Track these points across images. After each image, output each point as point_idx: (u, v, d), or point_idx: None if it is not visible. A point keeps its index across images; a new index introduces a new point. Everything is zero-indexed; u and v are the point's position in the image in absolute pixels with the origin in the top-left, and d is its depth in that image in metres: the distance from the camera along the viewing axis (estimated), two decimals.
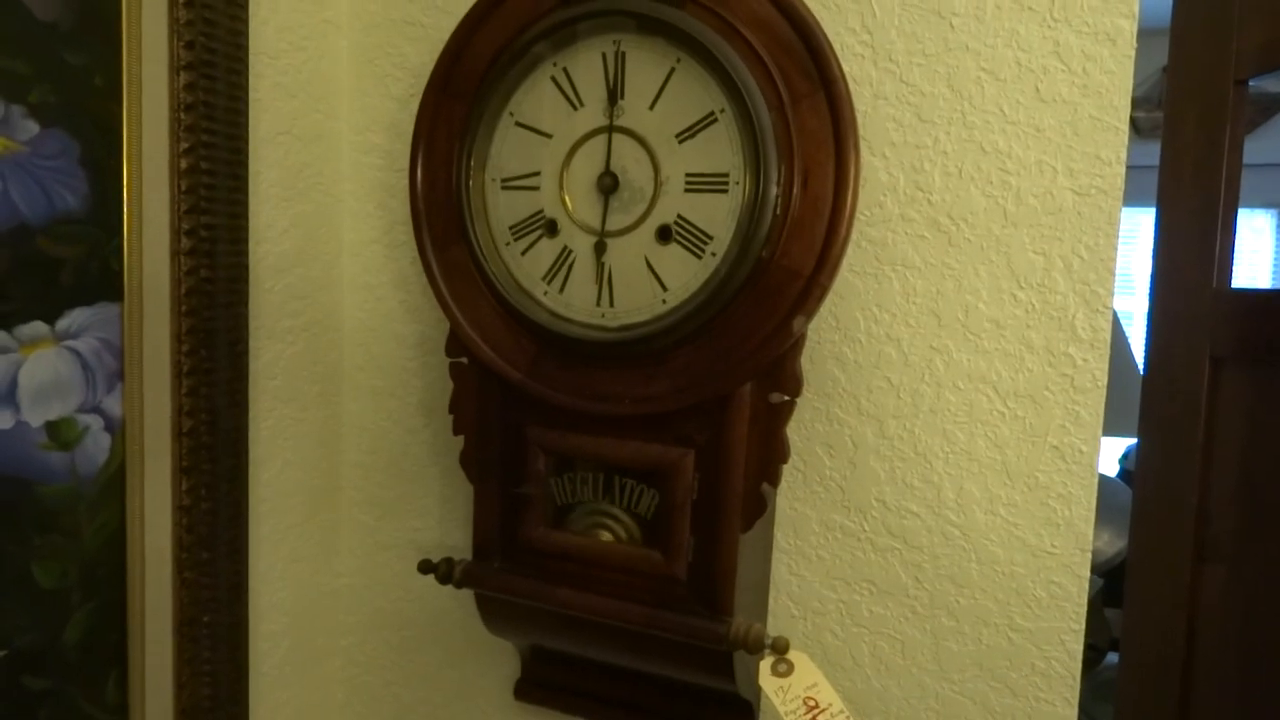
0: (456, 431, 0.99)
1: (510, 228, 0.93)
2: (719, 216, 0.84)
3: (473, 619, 1.15)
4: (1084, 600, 0.88)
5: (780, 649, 0.86)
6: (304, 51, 1.10)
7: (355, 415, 1.20)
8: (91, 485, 0.87)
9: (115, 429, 0.88)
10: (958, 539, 0.92)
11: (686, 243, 0.85)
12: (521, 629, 1.01)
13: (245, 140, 0.99)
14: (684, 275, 0.86)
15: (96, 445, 0.87)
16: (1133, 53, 0.84)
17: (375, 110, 1.15)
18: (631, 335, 0.87)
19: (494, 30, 0.92)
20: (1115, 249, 0.85)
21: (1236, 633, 1.02)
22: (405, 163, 1.13)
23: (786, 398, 0.86)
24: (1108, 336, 0.86)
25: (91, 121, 0.84)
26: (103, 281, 0.86)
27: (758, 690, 0.98)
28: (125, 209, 0.87)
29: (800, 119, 0.81)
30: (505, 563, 0.97)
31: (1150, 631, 1.12)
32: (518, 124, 0.92)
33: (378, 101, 1.15)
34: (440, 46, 1.09)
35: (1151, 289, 1.12)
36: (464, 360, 0.98)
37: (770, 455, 0.87)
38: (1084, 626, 0.89)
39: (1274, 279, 4.12)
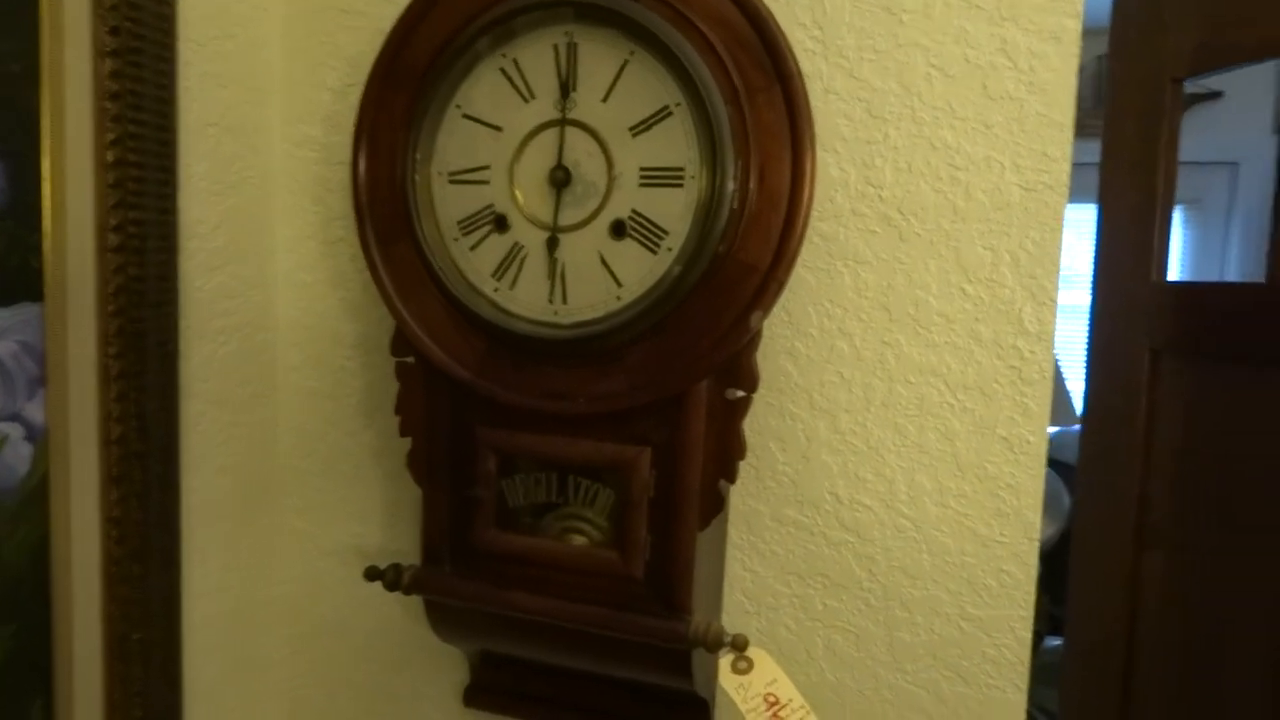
0: (404, 433, 0.96)
1: (458, 223, 0.90)
2: (675, 211, 0.83)
3: (419, 625, 1.12)
4: (1033, 588, 0.90)
5: (739, 646, 0.85)
6: (234, 39, 1.05)
7: (291, 418, 1.15)
8: (11, 498, 0.81)
9: (37, 438, 0.83)
10: (910, 531, 0.93)
11: (641, 238, 0.84)
12: (473, 634, 0.99)
13: (174, 132, 0.95)
14: (639, 271, 0.85)
15: (16, 455, 0.82)
16: (1078, 51, 0.85)
17: (309, 101, 1.11)
18: (586, 333, 0.86)
19: (439, 20, 0.89)
20: (1061, 244, 0.87)
21: (1176, 614, 1.06)
22: (342, 156, 1.09)
23: (743, 393, 0.86)
24: (1053, 329, 0.88)
25: (8, 110, 0.79)
26: (22, 280, 0.81)
27: (714, 688, 0.97)
28: (47, 203, 0.82)
29: (756, 113, 0.80)
30: (456, 567, 0.95)
31: (1094, 615, 1.15)
32: (465, 116, 0.89)
33: (312, 92, 1.10)
34: (380, 36, 1.06)
35: (1093, 283, 1.16)
36: (410, 360, 0.95)
37: (727, 452, 0.87)
38: (1033, 613, 0.91)
39: (1182, 273, 4.31)
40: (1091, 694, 1.15)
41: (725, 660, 0.86)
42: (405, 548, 1.12)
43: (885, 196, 0.91)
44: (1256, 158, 4.04)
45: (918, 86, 0.90)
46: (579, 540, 0.91)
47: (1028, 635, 0.91)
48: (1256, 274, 3.57)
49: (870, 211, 0.92)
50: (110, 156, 0.86)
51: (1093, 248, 1.15)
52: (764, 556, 0.98)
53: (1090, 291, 1.17)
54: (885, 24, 0.90)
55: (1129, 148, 1.07)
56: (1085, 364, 1.17)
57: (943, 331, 0.91)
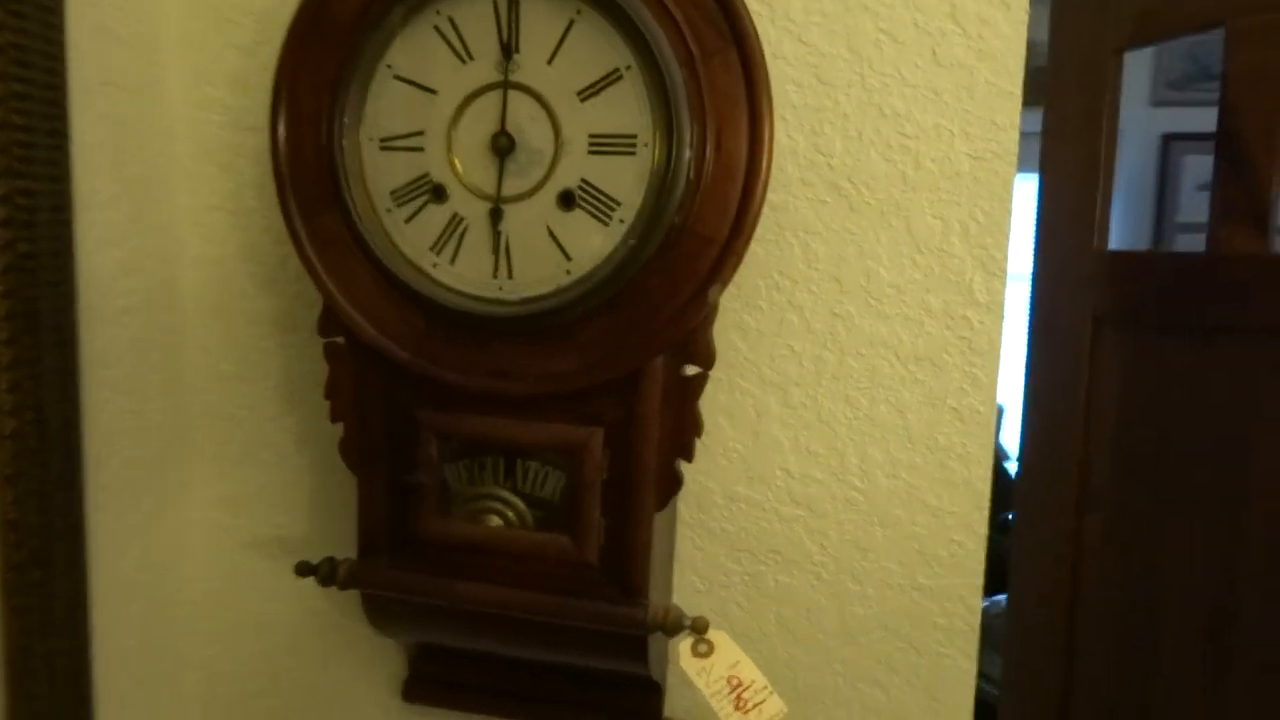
0: (335, 418, 0.90)
1: (391, 193, 0.84)
2: (627, 181, 0.79)
3: (350, 619, 1.07)
4: (982, 556, 0.91)
5: (700, 629, 0.83)
6: None
7: (204, 404, 1.07)
8: None
9: None
10: (861, 504, 0.93)
11: (592, 209, 0.80)
12: (414, 627, 0.94)
13: (64, 91, 0.85)
14: (590, 244, 0.81)
15: None
16: (1026, 18, 0.85)
17: (213, 60, 1.02)
18: (535, 309, 0.81)
19: None
20: (1010, 213, 0.87)
21: (1117, 576, 1.10)
22: (252, 120, 1.02)
23: (699, 370, 0.83)
24: (1004, 299, 0.88)
25: None
26: None
27: (664, 669, 0.95)
28: None
29: (711, 76, 0.77)
30: (395, 558, 0.90)
31: (1037, 578, 1.18)
32: (397, 78, 0.83)
33: (217, 50, 1.02)
34: None
35: (1035, 251, 1.17)
36: (340, 340, 0.89)
37: (683, 430, 0.84)
38: (982, 581, 0.92)
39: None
40: (1035, 655, 1.19)
41: (685, 644, 0.84)
42: (333, 538, 1.06)
43: (835, 165, 0.89)
44: (1134, 130, 4.22)
45: (867, 52, 0.88)
46: (494, 521, 0.87)
47: (978, 603, 0.92)
48: (1138, 243, 3.75)
49: (820, 180, 0.90)
50: None
51: (1034, 217, 1.17)
52: (714, 534, 0.96)
53: (1032, 260, 1.19)
54: None
55: (1071, 118, 1.08)
56: (1028, 332, 1.20)
57: (894, 303, 0.90)
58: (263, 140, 1.01)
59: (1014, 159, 0.86)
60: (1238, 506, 0.98)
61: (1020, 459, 1.23)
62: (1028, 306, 1.19)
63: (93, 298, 0.92)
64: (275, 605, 1.09)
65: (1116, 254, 1.10)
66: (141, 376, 1.00)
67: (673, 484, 0.84)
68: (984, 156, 0.87)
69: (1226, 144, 0.95)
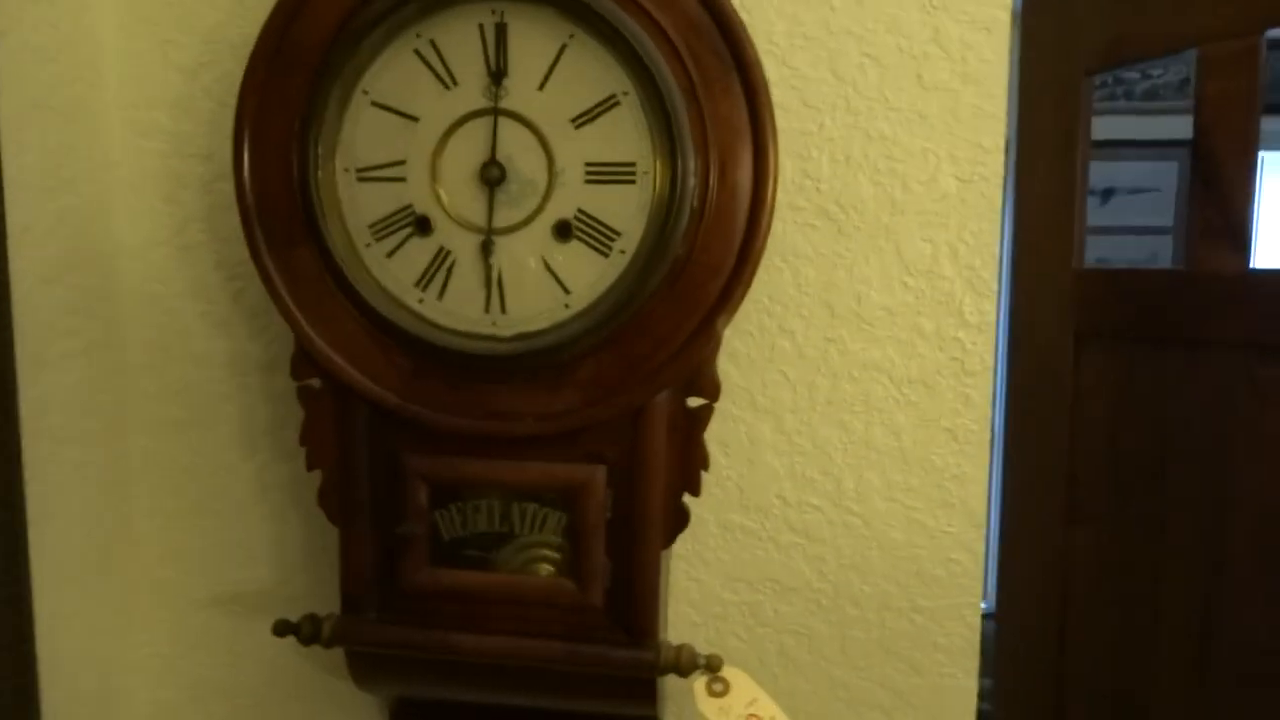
0: (311, 466, 0.85)
1: (370, 226, 0.79)
2: (627, 210, 0.76)
3: (324, 675, 1.01)
4: (980, 574, 0.92)
5: (714, 667, 0.81)
6: (56, 5, 0.88)
7: (150, 453, 0.99)
8: None
9: None
10: (859, 528, 0.92)
11: (590, 240, 0.77)
12: (403, 683, 0.89)
13: None
14: (589, 276, 0.77)
15: None
16: (1008, 42, 0.86)
17: (154, 82, 0.95)
18: (531, 345, 0.78)
19: None
20: (999, 234, 0.88)
21: (1108, 589, 1.13)
22: (196, 147, 0.95)
23: (705, 402, 0.81)
24: (994, 319, 0.89)
25: None
26: None
27: (664, 709, 0.93)
28: None
29: (713, 103, 0.75)
30: (383, 612, 0.85)
31: (1026, 592, 1.20)
32: (374, 104, 0.78)
33: (158, 72, 0.94)
34: (240, 6, 0.93)
35: (1012, 270, 1.20)
36: (315, 383, 0.83)
37: (689, 464, 0.82)
38: (980, 600, 0.92)
39: None
40: (1026, 668, 1.21)
41: (699, 683, 0.81)
42: (299, 591, 1.00)
43: (823, 189, 0.89)
44: None
45: (851, 75, 0.87)
46: (546, 570, 0.83)
47: (977, 621, 0.92)
48: None
49: (808, 205, 0.89)
50: None
51: (1008, 235, 1.19)
52: (710, 565, 0.94)
53: (1008, 278, 1.22)
54: (815, 9, 0.87)
55: (1045, 138, 1.11)
56: (1005, 347, 1.22)
57: (885, 326, 0.89)
58: (209, 169, 0.95)
59: (1000, 181, 0.87)
60: (1223, 513, 1.02)
61: (1005, 475, 1.26)
62: (1005, 323, 1.22)
63: (29, 342, 0.84)
64: (238, 667, 1.01)
65: (1095, 271, 1.13)
66: (82, 425, 0.92)
67: (680, 520, 0.82)
68: (970, 179, 0.87)
69: (1201, 164, 0.99)
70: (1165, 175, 3.85)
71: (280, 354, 0.96)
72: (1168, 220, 3.82)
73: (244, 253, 0.94)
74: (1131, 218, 3.78)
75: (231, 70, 0.93)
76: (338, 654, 0.97)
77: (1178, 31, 1.01)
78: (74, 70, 0.90)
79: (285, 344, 0.95)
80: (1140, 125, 3.82)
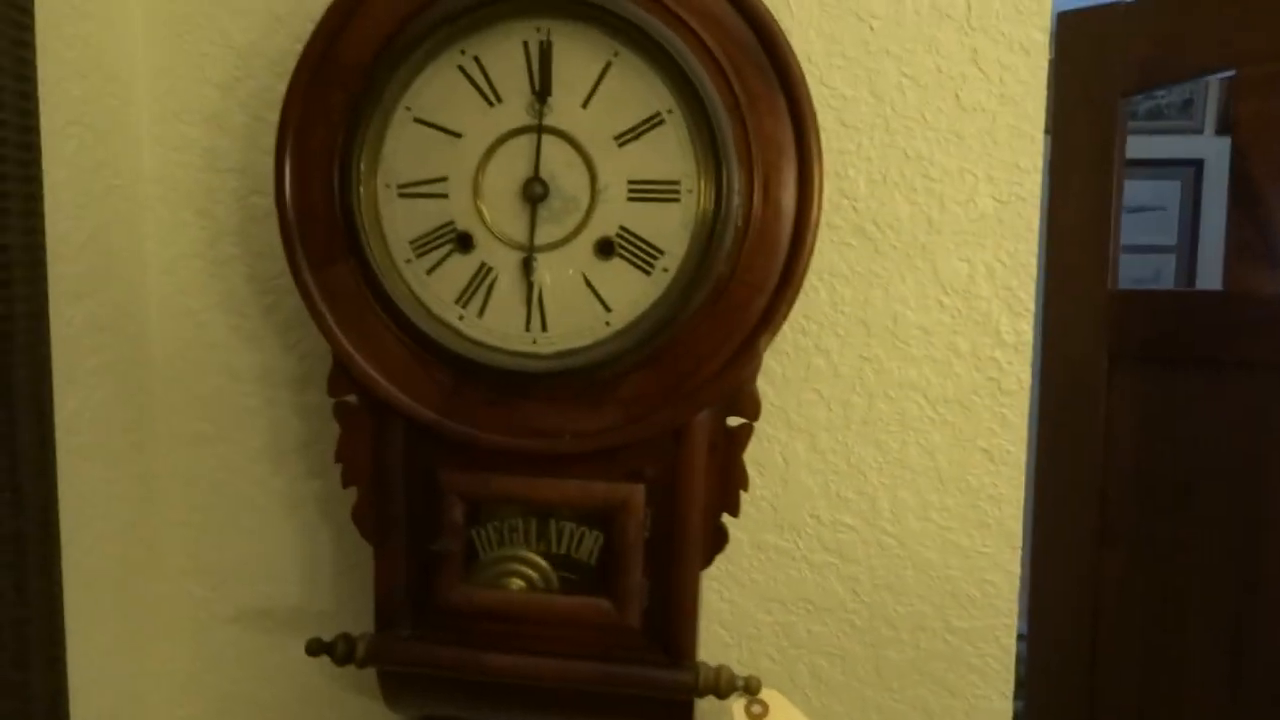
0: (347, 483, 0.84)
1: (411, 242, 0.79)
2: (670, 228, 0.76)
3: (348, 692, 1.00)
4: (1014, 596, 0.91)
5: (753, 689, 0.80)
6: (92, 19, 0.88)
7: (176, 468, 0.99)
8: None
9: None
10: (894, 548, 0.92)
11: (633, 257, 0.77)
12: (435, 703, 0.88)
13: (37, 133, 0.77)
14: (631, 293, 0.77)
15: None
16: (1046, 64, 0.86)
17: (187, 97, 0.94)
18: (571, 363, 0.78)
19: (383, 8, 0.77)
20: (1035, 254, 0.88)
21: (1140, 609, 1.12)
22: (230, 161, 0.95)
23: (745, 421, 0.81)
24: (1030, 339, 0.89)
25: None
26: None
27: None
28: None
29: (758, 122, 0.75)
30: (417, 630, 0.84)
31: (1058, 612, 1.20)
32: (417, 120, 0.78)
33: (191, 86, 0.94)
34: (275, 22, 0.93)
35: (1045, 290, 1.20)
36: (352, 399, 0.83)
37: (728, 484, 0.81)
38: (1015, 621, 0.92)
39: None
40: (1057, 689, 1.20)
41: (738, 705, 0.80)
42: (328, 608, 0.99)
43: (860, 208, 0.89)
44: None
45: (889, 95, 0.87)
46: (518, 584, 0.82)
47: (1012, 643, 0.92)
48: None
49: (845, 224, 0.89)
50: None
51: (1040, 255, 1.19)
52: (743, 585, 0.94)
53: (1040, 298, 1.22)
54: (854, 30, 0.87)
55: (1079, 158, 1.11)
56: (1038, 367, 1.22)
57: (921, 345, 0.89)
58: (243, 183, 0.95)
59: (1037, 201, 0.87)
60: (1256, 532, 1.02)
61: (1036, 494, 1.25)
62: (1037, 343, 1.22)
63: (63, 359, 0.84)
64: (263, 684, 1.00)
65: (1130, 292, 1.13)
66: (110, 442, 0.91)
67: (719, 540, 0.81)
68: (1008, 199, 0.87)
69: (1237, 185, 0.99)
70: (1169, 194, 3.87)
71: (312, 369, 0.95)
72: (1171, 239, 3.84)
73: (276, 267, 0.94)
74: (1135, 236, 3.78)
75: (267, 85, 0.93)
76: (365, 672, 0.96)
77: (1215, 53, 1.02)
78: (107, 85, 0.89)
79: (317, 359, 0.95)
80: (1144, 144, 3.83)
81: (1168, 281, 3.75)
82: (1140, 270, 3.75)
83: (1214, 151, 3.91)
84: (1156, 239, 3.82)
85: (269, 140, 0.92)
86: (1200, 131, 3.92)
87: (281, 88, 0.91)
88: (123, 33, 0.91)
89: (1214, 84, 3.68)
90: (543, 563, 0.84)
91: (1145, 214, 3.80)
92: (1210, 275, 3.73)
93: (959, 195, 0.88)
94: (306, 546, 0.98)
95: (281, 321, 0.96)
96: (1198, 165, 3.94)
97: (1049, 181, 1.22)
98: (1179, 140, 3.85)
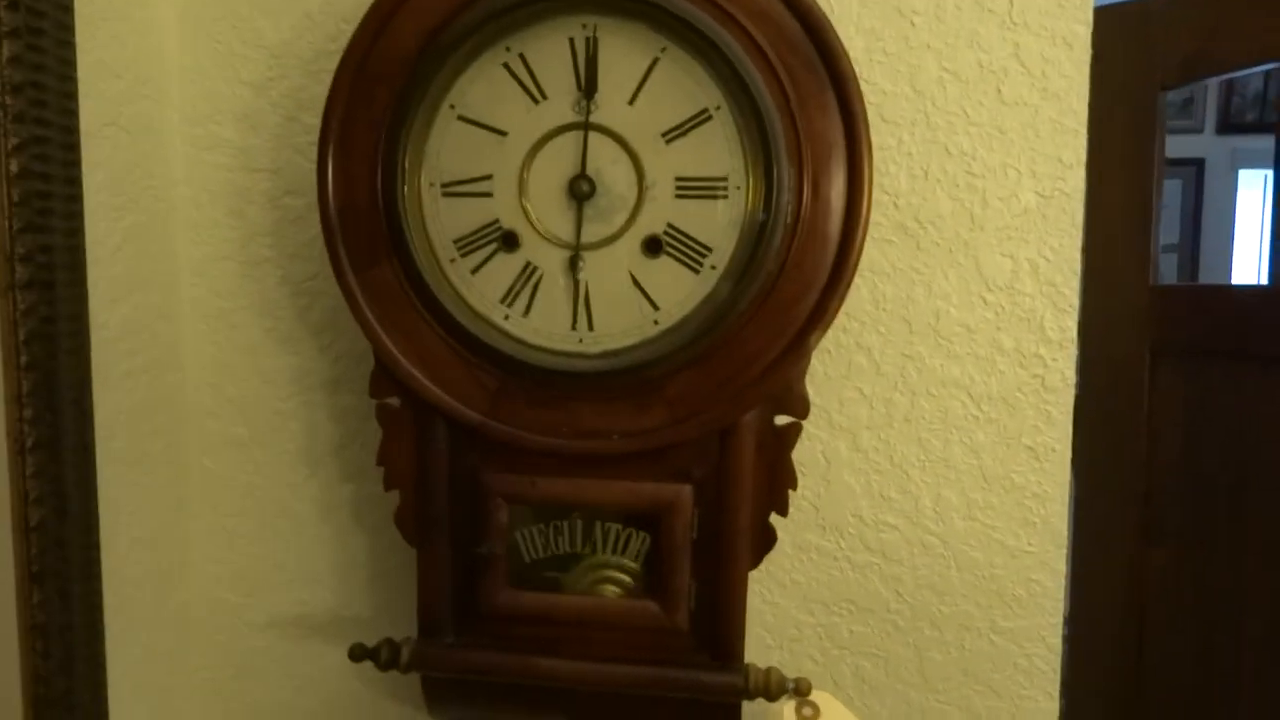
0: (389, 486, 0.83)
1: (455, 241, 0.78)
2: (718, 226, 0.76)
3: (384, 698, 0.99)
4: (1061, 595, 0.91)
5: (803, 691, 0.79)
6: (126, 20, 0.87)
7: (209, 472, 0.98)
8: None
9: None
10: (937, 548, 0.91)
11: (681, 255, 0.76)
12: (477, 707, 0.87)
13: (77, 134, 0.76)
14: (678, 292, 0.76)
15: None
16: (1089, 58, 0.85)
17: (220, 97, 0.93)
18: (619, 362, 0.77)
19: (425, 6, 0.76)
20: (1079, 250, 0.87)
21: (1186, 608, 1.12)
22: (264, 160, 0.94)
23: (793, 420, 0.80)
24: (1074, 335, 0.88)
25: None
26: None
27: None
28: None
29: (808, 119, 0.74)
30: (461, 636, 0.83)
31: (1103, 611, 1.19)
32: (461, 118, 0.77)
33: (223, 86, 0.93)
34: (308, 21, 0.92)
35: (1084, 287, 1.19)
36: (395, 401, 0.82)
37: (777, 483, 0.80)
38: (1061, 620, 0.91)
39: None
40: (1101, 689, 1.19)
41: (789, 707, 0.80)
42: (363, 614, 0.98)
43: (901, 205, 0.88)
44: None
45: (930, 90, 0.87)
46: (612, 591, 0.82)
47: (1058, 643, 0.91)
48: None
49: (886, 220, 0.88)
50: (14, 166, 0.67)
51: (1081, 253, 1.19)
52: (785, 587, 0.93)
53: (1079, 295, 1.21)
54: (895, 25, 0.87)
55: (1118, 154, 1.11)
56: (1078, 364, 1.21)
57: (964, 342, 0.89)
58: (276, 183, 0.94)
59: (1081, 196, 0.87)
60: None
61: (1077, 493, 1.25)
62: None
63: (99, 362, 0.82)
64: (296, 690, 0.99)
65: (1172, 288, 1.13)
66: (145, 446, 0.90)
67: (767, 540, 0.81)
68: (1051, 194, 0.87)
69: None
70: (1170, 193, 3.88)
71: (346, 371, 0.94)
72: (1174, 238, 3.85)
73: (310, 269, 0.94)
74: None
75: (300, 84, 0.92)
76: (399, 678, 0.95)
77: (1254, 46, 1.01)
78: (140, 87, 0.88)
79: (351, 361, 0.94)
80: None
81: (1170, 280, 3.75)
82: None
83: (1215, 150, 3.93)
84: (1160, 238, 3.83)
85: (302, 140, 0.93)
86: (1201, 131, 3.93)
87: (315, 87, 0.92)
88: (156, 32, 0.90)
89: (1213, 85, 3.69)
90: (635, 566, 0.83)
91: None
92: (1212, 274, 3.74)
93: (1001, 191, 0.87)
94: (341, 552, 0.97)
95: (315, 324, 0.95)
96: (1199, 164, 3.95)
97: (1087, 176, 1.22)
98: (1180, 140, 3.86)
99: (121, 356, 0.87)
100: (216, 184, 0.94)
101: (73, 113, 0.74)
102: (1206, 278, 3.73)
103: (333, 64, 0.89)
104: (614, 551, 0.82)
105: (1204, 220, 3.88)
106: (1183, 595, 1.14)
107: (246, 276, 0.95)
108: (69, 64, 0.73)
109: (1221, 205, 3.85)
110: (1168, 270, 3.85)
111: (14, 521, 0.68)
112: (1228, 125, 3.86)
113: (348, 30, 0.89)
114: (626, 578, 0.82)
